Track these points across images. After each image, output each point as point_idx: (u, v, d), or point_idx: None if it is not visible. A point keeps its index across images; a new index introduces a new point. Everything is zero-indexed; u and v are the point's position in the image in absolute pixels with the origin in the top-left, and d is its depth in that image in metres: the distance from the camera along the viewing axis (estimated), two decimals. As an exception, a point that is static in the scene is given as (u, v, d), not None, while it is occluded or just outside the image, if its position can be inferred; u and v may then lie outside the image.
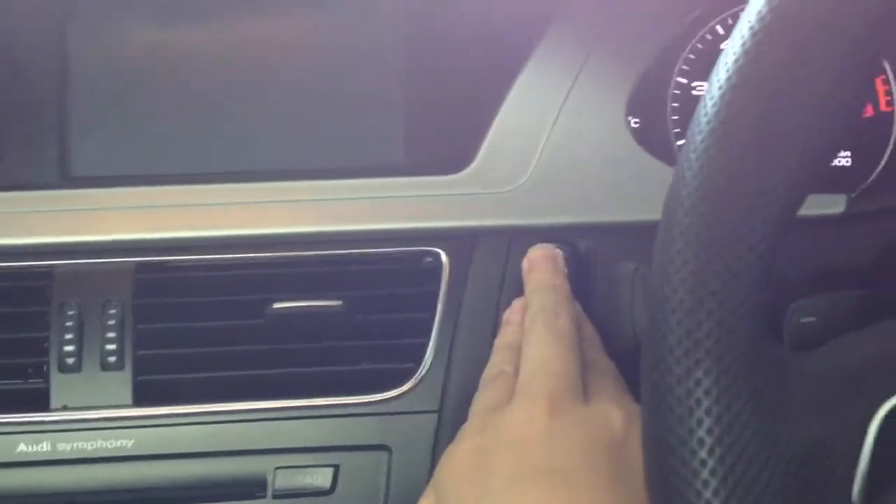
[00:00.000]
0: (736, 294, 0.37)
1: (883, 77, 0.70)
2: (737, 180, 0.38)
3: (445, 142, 0.68)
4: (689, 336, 0.37)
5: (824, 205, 0.63)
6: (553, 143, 0.64)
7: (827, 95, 0.39)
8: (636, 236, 0.60)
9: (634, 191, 0.64)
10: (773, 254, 0.39)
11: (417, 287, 0.62)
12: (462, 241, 0.63)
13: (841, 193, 0.66)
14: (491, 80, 0.67)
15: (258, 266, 0.63)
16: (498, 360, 0.56)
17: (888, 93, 0.70)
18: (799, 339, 0.51)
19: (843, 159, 0.71)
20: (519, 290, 0.61)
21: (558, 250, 0.60)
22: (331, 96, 0.70)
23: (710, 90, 0.40)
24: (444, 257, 0.62)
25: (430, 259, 0.63)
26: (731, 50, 0.40)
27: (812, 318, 0.51)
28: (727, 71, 0.40)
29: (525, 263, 0.60)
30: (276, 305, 0.61)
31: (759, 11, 0.39)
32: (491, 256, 0.62)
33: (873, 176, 0.70)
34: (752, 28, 0.39)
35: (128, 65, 0.69)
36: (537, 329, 0.53)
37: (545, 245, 0.61)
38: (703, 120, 0.40)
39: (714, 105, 0.40)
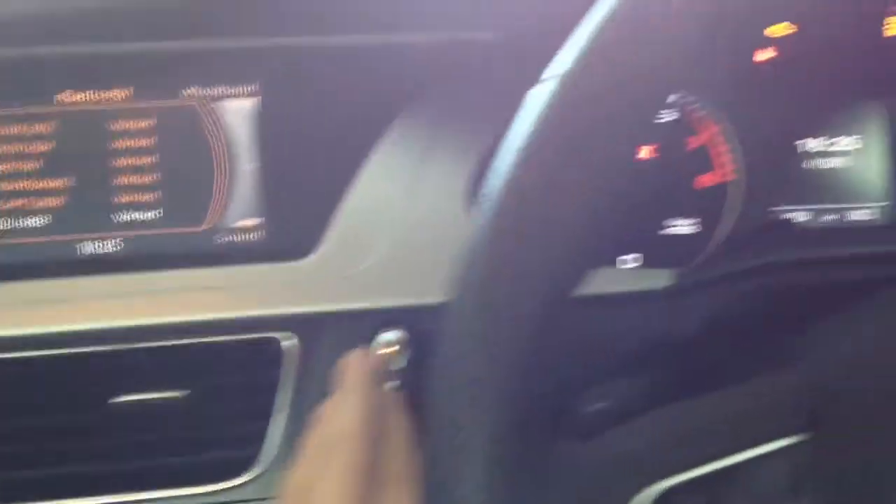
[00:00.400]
0: (499, 381, 0.39)
1: (724, 148, 0.74)
2: (498, 266, 0.40)
3: (298, 225, 0.70)
4: (454, 424, 0.39)
5: (648, 279, 0.66)
6: (399, 226, 0.66)
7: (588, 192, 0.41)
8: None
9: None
10: (543, 338, 0.40)
11: (260, 374, 0.64)
12: (307, 327, 0.65)
13: (672, 267, 0.69)
14: (341, 163, 0.69)
15: (99, 360, 0.64)
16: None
17: (730, 162, 0.74)
18: (591, 425, 0.53)
19: (687, 227, 0.74)
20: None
21: (397, 336, 0.62)
22: (181, 174, 0.73)
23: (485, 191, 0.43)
24: (287, 343, 0.64)
25: (272, 346, 0.64)
26: (501, 160, 0.42)
27: (605, 404, 0.54)
28: (497, 177, 0.42)
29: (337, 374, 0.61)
30: (118, 399, 0.62)
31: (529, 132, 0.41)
32: (335, 341, 0.64)
33: (710, 246, 0.73)
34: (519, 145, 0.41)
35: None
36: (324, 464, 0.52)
37: (359, 352, 0.61)
38: (481, 218, 0.42)
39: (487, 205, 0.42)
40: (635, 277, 0.65)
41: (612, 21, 0.41)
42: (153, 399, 0.62)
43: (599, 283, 0.66)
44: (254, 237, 0.73)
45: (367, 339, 0.64)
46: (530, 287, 0.39)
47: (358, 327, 0.64)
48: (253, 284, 0.66)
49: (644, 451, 0.44)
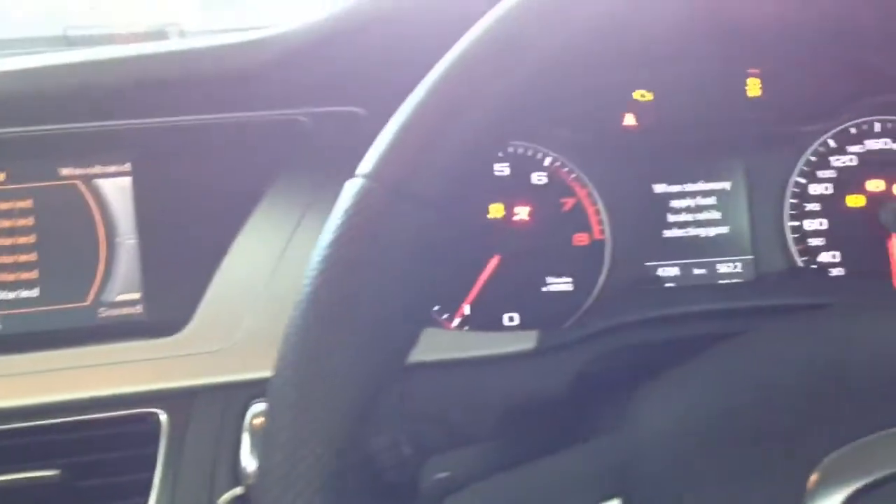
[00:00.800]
0: (319, 458, 0.40)
1: (594, 208, 0.76)
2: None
3: (173, 299, 0.71)
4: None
5: (517, 342, 0.68)
6: (270, 298, 0.67)
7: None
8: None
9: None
10: (364, 411, 0.42)
11: (137, 449, 0.64)
12: (181, 401, 0.65)
13: (548, 325, 0.71)
14: (213, 238, 0.71)
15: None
16: None
17: (600, 222, 0.76)
18: (433, 496, 0.54)
19: (563, 285, 0.76)
20: (234, 443, 0.64)
21: None
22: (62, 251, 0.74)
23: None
24: (162, 417, 0.65)
25: (149, 421, 0.65)
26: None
27: (446, 473, 0.55)
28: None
29: None
30: (-1, 479, 0.62)
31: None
32: (209, 413, 0.65)
33: (587, 303, 0.75)
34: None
35: None
36: None
37: None
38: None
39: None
40: (504, 340, 0.67)
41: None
42: (29, 479, 0.62)
43: (467, 346, 0.68)
44: (134, 311, 0.74)
45: (240, 410, 0.65)
46: (348, 361, 0.41)
47: (229, 399, 0.65)
48: (130, 360, 0.67)
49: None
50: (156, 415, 0.65)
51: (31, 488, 0.62)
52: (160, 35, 0.98)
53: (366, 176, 0.44)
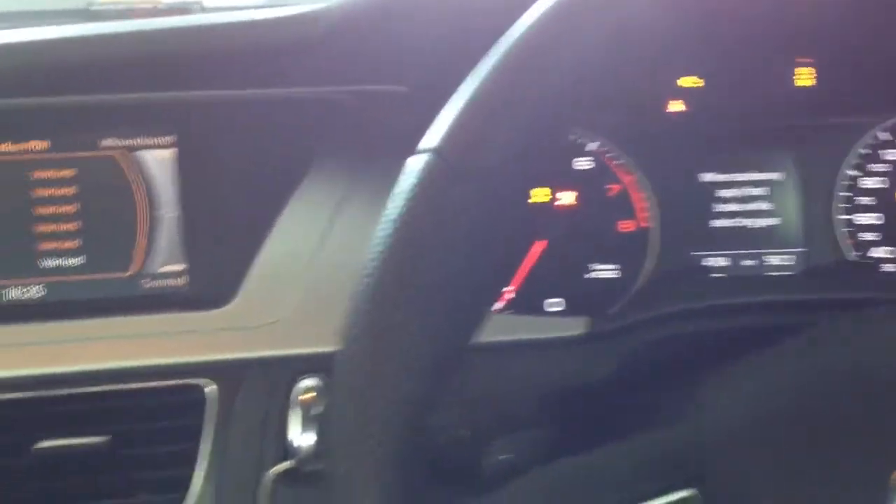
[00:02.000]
0: (389, 434, 0.40)
1: (641, 195, 0.75)
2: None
3: (218, 272, 0.70)
4: (349, 479, 0.40)
5: (566, 326, 0.67)
6: (316, 274, 0.67)
7: None
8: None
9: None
10: (435, 390, 0.41)
11: (183, 420, 0.64)
12: (228, 374, 0.65)
13: (594, 312, 0.70)
14: (258, 212, 0.70)
15: (23, 406, 0.64)
16: None
17: (646, 209, 0.75)
18: (496, 479, 0.53)
19: (609, 272, 0.75)
20: (280, 417, 0.63)
21: None
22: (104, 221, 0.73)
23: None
24: (209, 390, 0.65)
25: (194, 392, 0.65)
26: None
27: (510, 455, 0.54)
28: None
29: None
30: (41, 445, 0.62)
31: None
32: (256, 387, 0.65)
33: (630, 292, 0.74)
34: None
35: None
36: None
37: None
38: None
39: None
40: (553, 324, 0.66)
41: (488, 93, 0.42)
42: (77, 445, 0.62)
43: (517, 329, 0.67)
44: (178, 283, 0.74)
45: (287, 385, 0.65)
46: (415, 340, 0.41)
47: (277, 374, 0.65)
48: (176, 332, 0.66)
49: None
50: (201, 386, 0.65)
51: (79, 454, 0.62)
52: (183, 9, 0.98)
53: (430, 151, 0.44)
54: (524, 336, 0.66)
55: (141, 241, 0.75)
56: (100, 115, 0.75)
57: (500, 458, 0.54)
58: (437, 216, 0.42)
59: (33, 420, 0.64)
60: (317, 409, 0.63)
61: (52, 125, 0.75)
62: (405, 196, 0.43)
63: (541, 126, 0.45)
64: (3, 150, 0.74)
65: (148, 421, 0.64)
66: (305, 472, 0.61)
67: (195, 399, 0.65)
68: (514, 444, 0.55)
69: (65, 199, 0.75)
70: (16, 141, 0.75)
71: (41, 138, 0.75)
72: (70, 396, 0.64)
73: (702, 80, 0.76)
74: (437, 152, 0.43)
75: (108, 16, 0.96)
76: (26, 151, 0.75)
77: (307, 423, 0.62)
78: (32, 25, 0.84)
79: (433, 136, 0.44)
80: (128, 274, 0.75)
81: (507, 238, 0.46)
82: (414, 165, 0.44)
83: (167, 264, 0.75)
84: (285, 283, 0.67)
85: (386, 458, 0.39)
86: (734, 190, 0.76)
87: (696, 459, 0.43)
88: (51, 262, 0.74)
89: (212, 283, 0.70)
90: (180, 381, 0.65)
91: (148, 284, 0.74)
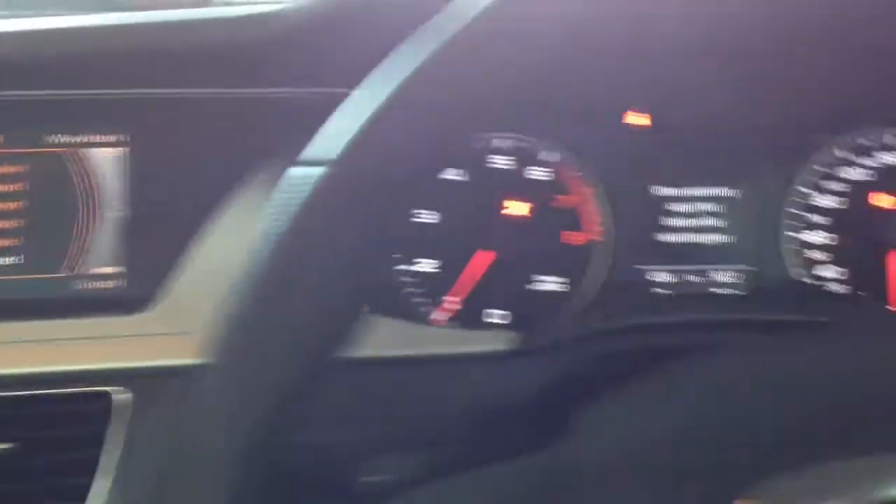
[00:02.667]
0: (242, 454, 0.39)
1: (593, 209, 0.74)
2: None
3: (154, 276, 0.69)
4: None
5: (488, 341, 0.66)
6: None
7: None
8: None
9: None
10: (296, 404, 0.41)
11: (88, 427, 0.63)
12: (141, 381, 0.64)
13: (538, 324, 0.70)
14: (198, 216, 0.69)
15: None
16: None
17: (596, 222, 0.74)
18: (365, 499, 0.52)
19: (554, 284, 0.74)
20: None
21: None
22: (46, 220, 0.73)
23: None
24: (117, 397, 0.64)
25: (101, 400, 0.64)
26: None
27: (379, 478, 0.53)
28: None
29: None
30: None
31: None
32: (167, 395, 0.63)
33: (576, 305, 0.73)
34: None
35: None
36: None
37: None
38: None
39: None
40: (492, 337, 0.65)
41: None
42: None
43: (453, 342, 0.67)
44: (112, 285, 0.72)
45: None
46: (284, 352, 0.40)
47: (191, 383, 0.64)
48: (98, 336, 0.65)
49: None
50: (109, 394, 0.63)
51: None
52: (202, 2, 0.97)
53: (316, 162, 0.43)
54: (460, 349, 0.65)
55: (79, 240, 0.74)
56: (50, 110, 0.74)
57: (369, 479, 0.52)
58: (321, 227, 0.41)
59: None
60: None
61: (2, 120, 0.75)
62: (287, 208, 0.42)
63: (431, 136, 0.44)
64: (-53, 143, 0.74)
65: (53, 428, 0.63)
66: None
67: (102, 407, 0.63)
68: (394, 464, 0.54)
69: (11, 196, 0.74)
70: (-37, 135, 0.75)
71: (-9, 132, 0.76)
72: None
73: (656, 94, 0.75)
74: (324, 163, 0.43)
75: (124, 6, 0.96)
76: (-28, 146, 0.75)
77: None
78: (43, 13, 0.84)
79: (321, 145, 0.44)
80: (62, 275, 0.73)
81: (381, 245, 0.45)
82: (297, 176, 0.43)
83: (103, 266, 0.73)
84: (210, 290, 0.65)
85: (230, 470, 0.39)
86: (684, 204, 0.75)
87: (557, 486, 0.42)
88: (-14, 261, 0.75)
89: (144, 287, 0.69)
90: (86, 388, 0.63)
91: (81, 286, 0.73)
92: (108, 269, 0.74)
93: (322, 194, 0.41)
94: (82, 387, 0.63)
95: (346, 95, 0.77)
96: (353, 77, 0.76)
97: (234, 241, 0.67)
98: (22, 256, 0.73)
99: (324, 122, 0.76)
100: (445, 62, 0.44)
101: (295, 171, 0.43)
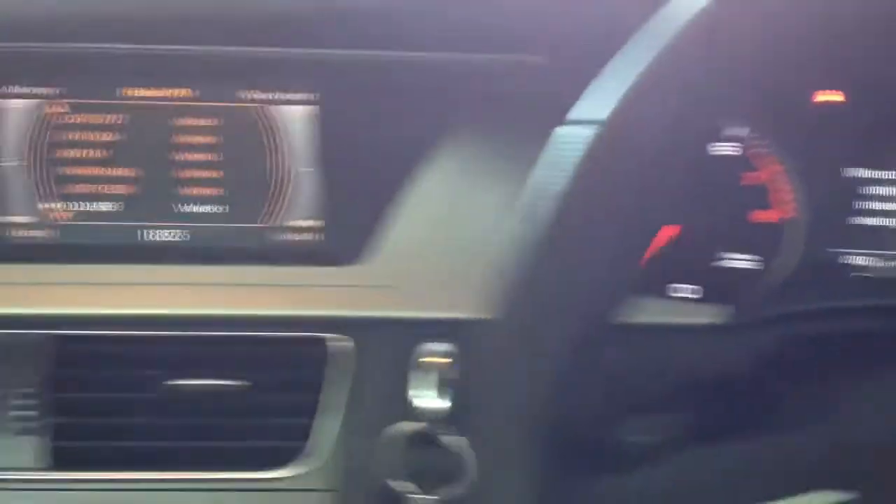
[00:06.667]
0: (536, 404, 0.40)
1: (786, 187, 0.73)
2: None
3: (351, 231, 0.72)
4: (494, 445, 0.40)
5: (706, 313, 0.66)
6: (446, 239, 0.68)
7: None
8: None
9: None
10: (583, 363, 0.41)
11: (308, 371, 0.66)
12: (354, 330, 0.66)
13: (729, 302, 0.69)
14: (395, 174, 0.71)
15: (164, 344, 0.67)
16: None
17: (788, 200, 0.73)
18: (630, 460, 0.53)
19: (745, 262, 0.73)
20: (403, 377, 0.65)
21: None
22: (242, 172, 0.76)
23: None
24: (333, 344, 0.66)
25: (319, 345, 0.66)
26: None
27: (642, 437, 0.54)
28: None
29: None
30: (173, 382, 0.66)
31: None
32: (381, 346, 0.66)
33: (770, 284, 0.72)
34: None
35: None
36: None
37: None
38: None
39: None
40: (693, 310, 0.65)
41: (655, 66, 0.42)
42: (204, 386, 0.65)
43: (656, 313, 0.67)
44: (309, 238, 0.75)
45: (411, 346, 0.65)
46: (568, 311, 0.41)
47: (401, 335, 0.66)
48: (306, 285, 0.68)
49: (675, 492, 0.44)
50: (325, 340, 0.66)
51: (213, 395, 0.66)
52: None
53: (590, 122, 0.43)
54: (656, 319, 0.65)
55: (276, 193, 0.77)
56: (244, 67, 0.77)
57: (634, 439, 0.53)
58: (598, 188, 0.42)
59: (167, 358, 0.67)
60: (451, 375, 0.64)
61: (196, 73, 0.77)
62: (563, 167, 0.42)
63: (696, 107, 0.44)
64: (148, 95, 0.77)
65: (273, 370, 0.66)
66: (431, 436, 0.62)
67: (319, 352, 0.66)
68: (650, 427, 0.54)
69: (206, 148, 0.77)
70: (161, 86, 0.77)
71: (186, 86, 0.77)
72: (208, 338, 0.66)
73: (854, 71, 0.73)
74: (599, 123, 0.43)
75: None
76: (171, 98, 0.77)
77: (440, 387, 0.63)
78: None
79: (590, 106, 0.44)
80: (262, 225, 0.76)
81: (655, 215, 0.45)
82: (569, 135, 0.43)
83: (300, 219, 0.76)
84: (416, 247, 0.68)
85: (527, 431, 0.39)
86: (881, 187, 0.73)
87: (848, 463, 0.41)
88: (190, 208, 0.76)
89: (345, 241, 0.71)
90: (306, 334, 0.66)
91: (279, 237, 0.76)
92: (304, 223, 0.77)
93: (596, 154, 0.41)
94: (291, 331, 0.66)
95: (532, 62, 0.78)
96: (540, 43, 0.77)
97: (433, 201, 0.69)
98: (222, 206, 0.76)
99: (510, 88, 0.77)
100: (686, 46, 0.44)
101: (566, 131, 0.43)
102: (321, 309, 0.66)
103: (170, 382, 0.65)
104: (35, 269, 0.69)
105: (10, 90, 0.74)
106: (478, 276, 0.64)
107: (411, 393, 0.63)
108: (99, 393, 0.66)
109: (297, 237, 0.75)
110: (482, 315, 0.65)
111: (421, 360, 0.64)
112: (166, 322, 0.66)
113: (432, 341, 0.64)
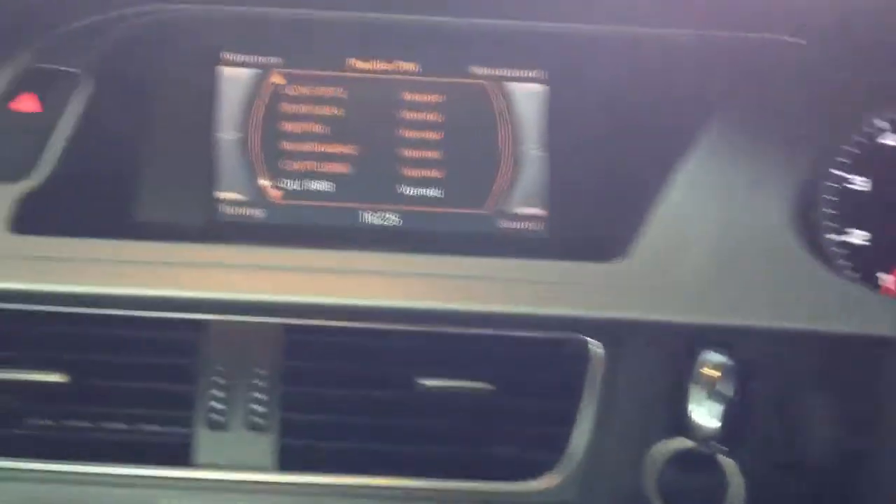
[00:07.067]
0: None
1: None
2: None
3: (595, 222, 0.67)
4: None
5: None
6: (722, 235, 0.61)
7: None
8: (788, 345, 0.59)
9: (794, 295, 0.60)
10: None
11: (566, 375, 0.60)
12: (616, 333, 0.61)
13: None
14: (639, 162, 0.66)
15: (409, 339, 0.61)
16: None
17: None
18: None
19: None
20: (671, 388, 0.60)
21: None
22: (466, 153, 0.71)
23: None
24: (595, 347, 0.60)
25: (579, 348, 0.61)
26: None
27: None
28: None
29: None
30: (426, 382, 0.60)
31: None
32: (647, 353, 0.60)
33: None
34: None
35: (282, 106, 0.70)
36: None
37: None
38: None
39: None
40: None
41: None
42: (457, 387, 0.60)
43: None
44: (537, 227, 0.71)
45: (681, 355, 0.60)
46: None
47: (672, 342, 0.60)
48: (545, 281, 0.61)
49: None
50: (587, 343, 0.60)
51: (459, 397, 0.60)
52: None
53: None
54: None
55: (503, 177, 0.72)
56: (471, 40, 0.72)
57: None
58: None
59: (418, 354, 0.61)
60: (723, 390, 0.59)
61: (421, 45, 0.72)
62: None
63: None
64: (375, 67, 0.72)
65: (527, 372, 0.61)
66: (704, 455, 0.58)
67: (579, 355, 0.60)
68: None
69: (430, 125, 0.72)
70: (386, 59, 0.73)
71: (410, 59, 0.73)
72: (456, 336, 0.61)
73: None
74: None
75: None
76: (397, 71, 0.72)
77: (713, 402, 0.58)
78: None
79: None
80: (484, 211, 0.72)
81: None
82: None
83: (527, 206, 0.72)
84: (682, 244, 0.61)
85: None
86: None
87: None
88: (410, 191, 0.72)
89: (580, 233, 0.67)
90: (565, 335, 0.60)
91: (505, 224, 0.72)
92: (533, 211, 0.72)
93: None
94: (549, 333, 0.60)
95: (794, 44, 0.72)
96: (801, 26, 0.71)
97: (702, 191, 0.63)
98: (440, 189, 0.72)
99: (773, 69, 0.71)
100: None
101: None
102: (575, 309, 0.60)
103: (420, 382, 0.60)
104: (251, 251, 0.62)
105: (230, 57, 0.70)
106: (752, 280, 0.60)
107: (689, 407, 0.58)
108: (330, 389, 0.61)
109: (521, 226, 0.71)
110: (769, 323, 0.62)
111: (702, 371, 0.59)
112: (414, 316, 0.60)
113: (711, 350, 0.59)
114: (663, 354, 0.60)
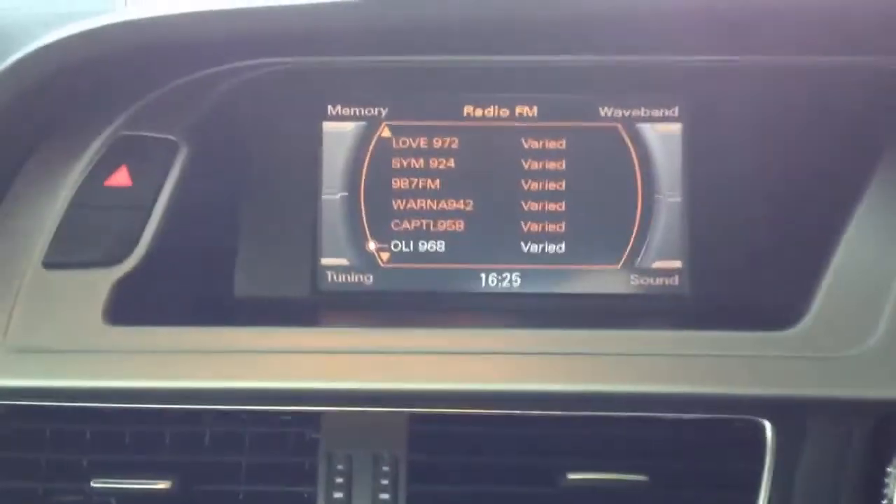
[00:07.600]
0: None
1: None
2: None
3: (742, 279, 0.60)
4: None
5: None
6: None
7: None
8: None
9: None
10: None
11: (736, 462, 0.53)
12: (789, 412, 0.53)
13: None
14: (796, 207, 0.59)
15: (549, 426, 0.54)
16: None
17: None
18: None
19: None
20: (864, 475, 0.51)
21: None
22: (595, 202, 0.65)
23: None
24: (768, 429, 0.53)
25: (753, 431, 0.53)
26: None
27: None
28: None
29: None
30: (575, 476, 0.53)
31: None
32: (827, 432, 0.52)
33: None
34: None
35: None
36: None
37: None
38: None
39: None
40: None
41: None
42: (614, 480, 0.53)
43: None
44: (673, 282, 0.64)
45: (872, 434, 0.52)
46: None
47: (861, 420, 0.52)
48: (713, 354, 0.53)
49: None
50: (761, 424, 0.53)
51: (612, 491, 0.53)
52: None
53: None
54: None
55: (637, 228, 0.64)
56: (597, 79, 0.64)
57: None
58: None
59: (563, 443, 0.54)
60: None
61: (543, 87, 0.65)
62: None
63: None
64: (491, 114, 0.65)
65: (693, 459, 0.53)
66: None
67: (753, 439, 0.53)
68: None
69: (553, 175, 0.65)
70: (502, 104, 0.65)
71: (529, 103, 0.65)
72: (604, 420, 0.53)
73: None
74: None
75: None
76: (515, 118, 0.65)
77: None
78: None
79: None
80: (615, 266, 0.65)
81: None
82: None
83: (663, 258, 0.64)
84: (866, 306, 0.53)
85: None
86: None
87: None
88: (531, 248, 0.65)
89: (724, 288, 0.60)
90: (738, 416, 0.53)
91: (636, 281, 0.65)
92: (670, 264, 0.65)
93: None
94: (717, 414, 0.53)
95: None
96: None
97: (880, 248, 0.54)
98: (564, 243, 0.65)
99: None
100: None
101: None
102: (757, 386, 0.52)
103: (571, 476, 0.52)
104: (362, 333, 0.56)
105: (335, 111, 0.64)
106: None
107: (891, 498, 0.50)
108: (460, 486, 0.54)
109: (651, 282, 0.64)
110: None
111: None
112: (544, 399, 0.53)
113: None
114: (854, 436, 0.52)
